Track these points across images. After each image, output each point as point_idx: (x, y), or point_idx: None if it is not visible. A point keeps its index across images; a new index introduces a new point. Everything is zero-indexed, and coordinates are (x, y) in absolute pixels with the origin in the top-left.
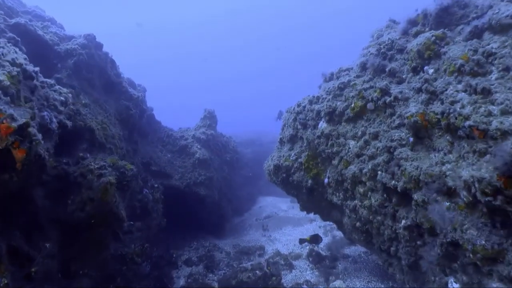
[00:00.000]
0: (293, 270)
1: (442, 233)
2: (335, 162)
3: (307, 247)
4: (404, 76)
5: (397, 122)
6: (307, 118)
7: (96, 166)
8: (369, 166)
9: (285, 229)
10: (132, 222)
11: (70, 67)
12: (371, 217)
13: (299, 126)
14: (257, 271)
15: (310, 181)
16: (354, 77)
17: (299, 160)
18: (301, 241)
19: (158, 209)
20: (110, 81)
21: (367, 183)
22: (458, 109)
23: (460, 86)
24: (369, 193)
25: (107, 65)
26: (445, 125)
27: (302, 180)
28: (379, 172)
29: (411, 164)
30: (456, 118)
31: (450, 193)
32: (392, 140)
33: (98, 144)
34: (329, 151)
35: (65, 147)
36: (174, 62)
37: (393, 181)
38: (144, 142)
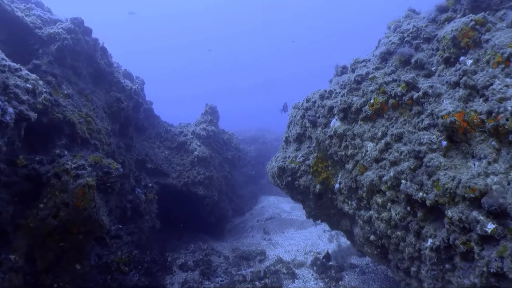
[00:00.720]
0: (296, 280)
1: (484, 260)
2: (349, 166)
3: (311, 254)
4: (433, 69)
5: (426, 122)
6: (317, 115)
7: (73, 165)
8: (391, 174)
9: (288, 232)
10: (120, 226)
11: (52, 53)
12: (389, 231)
13: (307, 124)
14: (256, 283)
15: (318, 186)
16: (372, 69)
17: (307, 162)
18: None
19: (152, 211)
20: (100, 71)
21: (387, 193)
22: (510, 108)
23: (509, 80)
24: (389, 204)
25: (96, 53)
26: (492, 127)
27: (309, 185)
28: (403, 181)
29: (445, 174)
30: (507, 119)
31: (497, 212)
32: (420, 144)
33: (81, 140)
34: (342, 153)
35: (40, 143)
36: (172, 51)
37: (421, 193)
38: (141, 138)
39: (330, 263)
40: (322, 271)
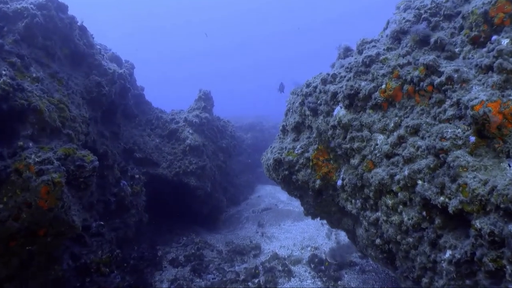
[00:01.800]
0: (292, 279)
1: None
2: (354, 161)
3: (309, 249)
4: (457, 50)
5: (450, 112)
6: (318, 102)
7: (36, 159)
8: (405, 172)
9: (284, 224)
10: (102, 223)
11: (19, 31)
12: (398, 237)
13: (307, 112)
14: (250, 283)
15: (318, 182)
16: (384, 50)
17: (306, 154)
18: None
19: (139, 204)
20: (78, 52)
21: (399, 194)
22: None
23: None
24: (401, 207)
25: (73, 32)
26: None
27: (308, 180)
28: (420, 182)
29: (474, 177)
30: None
31: None
32: (442, 138)
33: (51, 130)
34: (347, 146)
35: (0, 133)
36: (165, 32)
37: (442, 197)
38: (130, 125)
39: (323, 248)
40: (320, 269)
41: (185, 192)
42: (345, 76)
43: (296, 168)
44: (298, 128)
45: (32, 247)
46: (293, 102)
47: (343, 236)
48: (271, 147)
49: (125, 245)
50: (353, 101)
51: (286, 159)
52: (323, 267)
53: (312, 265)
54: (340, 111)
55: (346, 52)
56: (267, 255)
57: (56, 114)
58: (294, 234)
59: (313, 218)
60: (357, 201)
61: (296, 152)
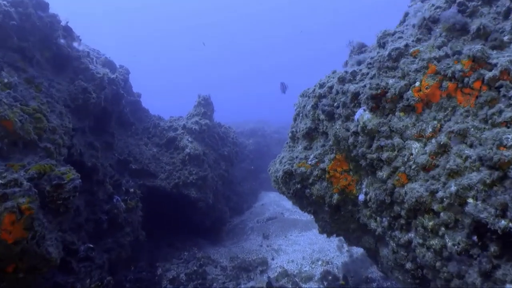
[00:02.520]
0: None
1: None
2: (382, 174)
3: (319, 263)
4: (505, 38)
5: (508, 114)
6: (335, 104)
7: (0, 181)
8: (452, 189)
9: (291, 234)
10: (91, 245)
11: None
12: (438, 263)
13: (321, 116)
14: None
15: (336, 196)
16: (413, 41)
17: (321, 165)
18: None
19: (134, 220)
20: (62, 55)
21: (441, 215)
22: None
23: None
24: (443, 229)
25: (55, 33)
26: None
27: (324, 194)
28: (471, 201)
29: None
30: None
31: None
32: (502, 146)
33: (23, 144)
34: (373, 156)
35: None
36: (162, 40)
37: (503, 221)
38: (126, 134)
39: (335, 261)
40: (334, 287)
41: (186, 204)
42: (367, 73)
43: (310, 181)
44: (310, 135)
45: (2, 285)
46: (304, 106)
47: (355, 248)
48: (279, 156)
49: (120, 266)
50: (380, 102)
51: (298, 171)
52: (337, 284)
53: (326, 283)
54: (364, 115)
55: (360, 48)
56: (275, 271)
57: (31, 125)
58: (302, 246)
59: (328, 236)
60: (384, 219)
61: (310, 162)
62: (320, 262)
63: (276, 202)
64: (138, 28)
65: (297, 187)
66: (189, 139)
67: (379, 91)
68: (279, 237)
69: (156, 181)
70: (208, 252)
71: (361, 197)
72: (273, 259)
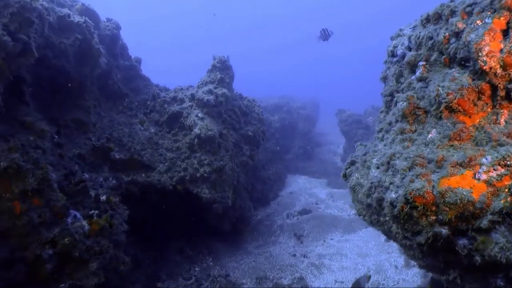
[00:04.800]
0: None
1: None
2: None
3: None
4: None
5: None
6: None
7: None
8: None
9: (332, 237)
10: None
11: None
12: None
13: None
14: None
15: None
16: None
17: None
18: None
19: (109, 247)
20: None
21: None
22: None
23: None
24: None
25: None
26: None
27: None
28: None
29: None
30: None
31: None
32: None
33: None
34: None
35: None
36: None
37: None
38: (117, 110)
39: None
40: None
41: (195, 206)
42: None
43: (483, 223)
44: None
45: None
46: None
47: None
48: (364, 154)
49: None
50: None
51: (452, 197)
52: None
53: None
54: None
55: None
56: None
57: None
58: (351, 259)
59: None
60: None
61: (483, 177)
62: None
63: (306, 190)
64: (148, 6)
65: (443, 234)
66: (200, 114)
67: None
68: (317, 242)
69: (152, 175)
70: (226, 265)
71: None
72: (314, 279)
